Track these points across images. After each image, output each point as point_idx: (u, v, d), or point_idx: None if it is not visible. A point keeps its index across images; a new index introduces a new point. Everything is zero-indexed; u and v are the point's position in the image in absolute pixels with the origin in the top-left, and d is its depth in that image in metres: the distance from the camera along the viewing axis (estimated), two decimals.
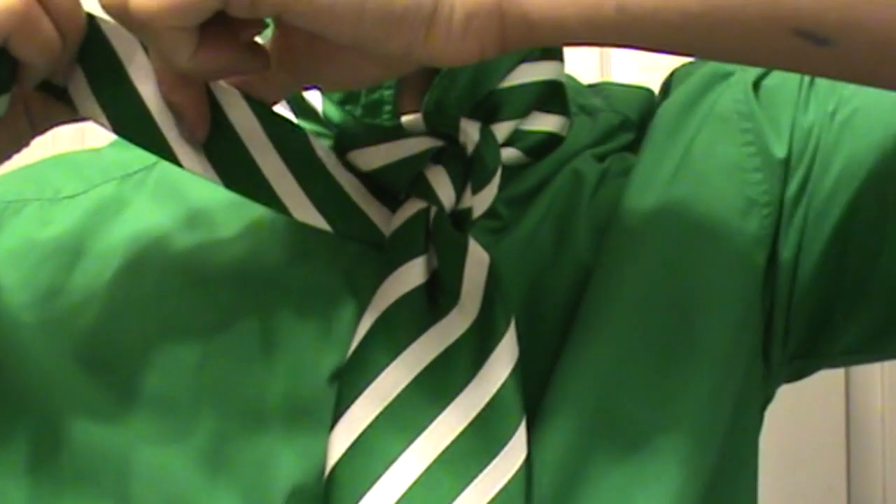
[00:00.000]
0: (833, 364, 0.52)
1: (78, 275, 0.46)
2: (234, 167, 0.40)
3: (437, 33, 0.35)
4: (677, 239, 0.47)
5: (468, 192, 0.44)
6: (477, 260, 0.44)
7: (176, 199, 0.48)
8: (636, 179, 0.48)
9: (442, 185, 0.44)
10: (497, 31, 0.36)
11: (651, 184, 0.48)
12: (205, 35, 0.35)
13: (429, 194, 0.44)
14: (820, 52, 0.34)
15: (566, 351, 0.45)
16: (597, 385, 0.44)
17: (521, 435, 0.42)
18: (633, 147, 0.51)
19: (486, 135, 0.44)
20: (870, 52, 0.34)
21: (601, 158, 0.50)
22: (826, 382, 1.09)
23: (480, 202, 0.44)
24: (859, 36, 0.33)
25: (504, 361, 0.43)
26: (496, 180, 0.44)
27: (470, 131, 0.44)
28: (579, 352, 0.45)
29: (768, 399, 0.52)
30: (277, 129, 0.41)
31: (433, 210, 0.44)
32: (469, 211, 0.44)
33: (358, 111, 0.46)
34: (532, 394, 0.44)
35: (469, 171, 0.44)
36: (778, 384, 0.52)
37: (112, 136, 0.41)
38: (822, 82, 0.49)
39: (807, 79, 0.49)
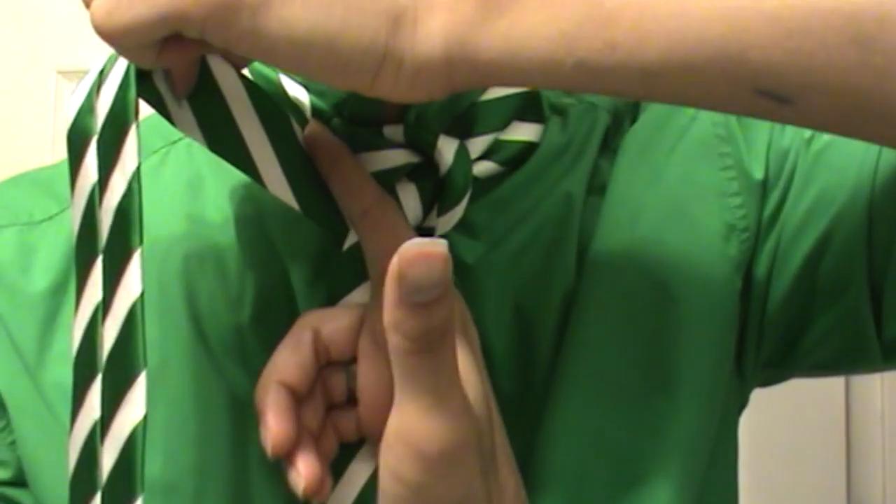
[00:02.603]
0: (804, 375, 0.53)
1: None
2: (217, 128, 0.41)
3: (384, 81, 0.36)
4: (656, 268, 0.47)
5: (434, 213, 0.45)
6: None
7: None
8: (610, 204, 0.48)
9: (410, 202, 0.44)
10: (445, 81, 0.36)
11: (625, 211, 0.48)
12: (172, 39, 0.36)
13: None
14: (781, 107, 0.34)
15: (557, 379, 0.46)
16: (589, 414, 0.45)
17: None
18: (615, 131, 0.50)
19: (461, 156, 0.45)
20: (830, 110, 0.34)
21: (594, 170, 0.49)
22: (826, 382, 1.09)
23: (443, 224, 0.45)
24: (819, 96, 0.34)
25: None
26: (463, 203, 0.45)
27: (445, 151, 0.44)
28: (569, 384, 0.45)
29: (743, 405, 0.53)
30: (262, 102, 0.42)
31: None
32: (432, 230, 0.45)
33: (339, 120, 0.47)
34: (529, 415, 0.45)
35: (439, 192, 0.45)
36: (751, 390, 0.53)
37: None
38: None
39: None
